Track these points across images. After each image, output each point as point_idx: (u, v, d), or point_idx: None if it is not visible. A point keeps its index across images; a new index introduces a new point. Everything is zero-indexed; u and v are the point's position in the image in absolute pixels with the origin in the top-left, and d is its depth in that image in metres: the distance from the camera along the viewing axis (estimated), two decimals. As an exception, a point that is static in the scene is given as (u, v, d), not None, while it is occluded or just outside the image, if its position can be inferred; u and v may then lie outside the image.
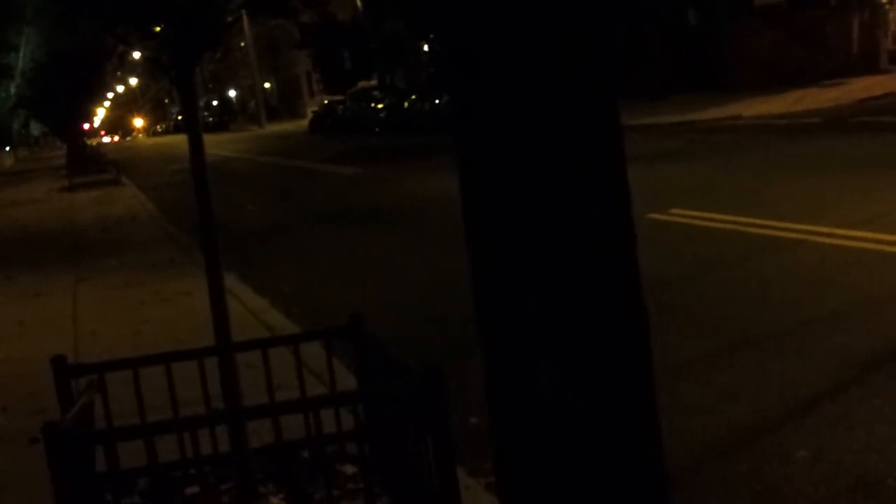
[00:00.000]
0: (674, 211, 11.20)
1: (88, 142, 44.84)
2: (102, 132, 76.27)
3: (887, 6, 32.85)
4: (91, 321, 8.88)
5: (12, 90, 35.36)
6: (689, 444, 4.71)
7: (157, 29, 4.97)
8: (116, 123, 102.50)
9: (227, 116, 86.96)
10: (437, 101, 33.67)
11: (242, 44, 75.19)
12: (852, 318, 6.50)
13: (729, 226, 10.04)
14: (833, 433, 4.71)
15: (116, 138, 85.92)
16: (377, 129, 39.49)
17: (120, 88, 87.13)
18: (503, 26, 2.50)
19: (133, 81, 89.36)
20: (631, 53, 30.19)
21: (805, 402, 5.17)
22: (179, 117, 71.45)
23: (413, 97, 38.32)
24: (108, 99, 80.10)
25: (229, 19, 4.97)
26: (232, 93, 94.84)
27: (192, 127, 4.57)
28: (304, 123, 56.91)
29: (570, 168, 2.52)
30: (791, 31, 29.76)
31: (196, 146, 4.49)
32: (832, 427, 4.78)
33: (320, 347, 4.86)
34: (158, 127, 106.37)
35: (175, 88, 5.11)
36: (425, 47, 47.23)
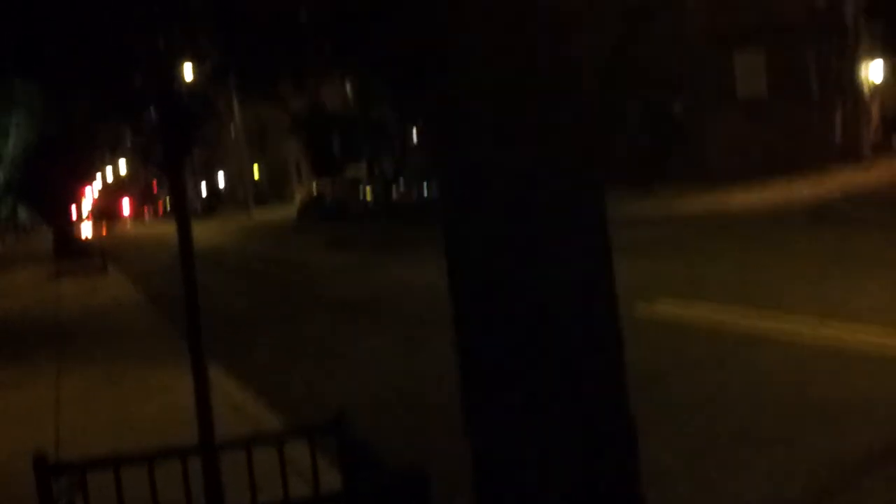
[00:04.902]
0: (659, 303, 11.19)
1: (76, 228, 44.81)
2: (88, 216, 76.38)
3: (869, 99, 33.39)
4: (73, 414, 8.76)
5: (0, 176, 35.44)
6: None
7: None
8: (105, 209, 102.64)
9: (215, 201, 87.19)
10: (424, 190, 33.90)
11: (233, 131, 75.70)
12: (839, 419, 6.44)
13: (716, 317, 10.02)
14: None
15: (103, 228, 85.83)
16: (364, 216, 39.63)
17: (109, 174, 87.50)
18: (489, 123, 2.52)
19: (122, 166, 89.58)
20: (618, 143, 30.49)
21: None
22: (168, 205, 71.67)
23: (401, 185, 38.57)
24: (96, 185, 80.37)
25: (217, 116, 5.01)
26: (220, 176, 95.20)
27: (181, 217, 4.56)
28: (292, 210, 57.05)
29: (557, 264, 2.52)
30: (774, 122, 30.15)
31: (184, 237, 4.47)
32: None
33: (306, 443, 4.79)
34: (146, 213, 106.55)
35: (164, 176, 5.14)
36: (414, 137, 47.61)
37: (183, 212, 4.48)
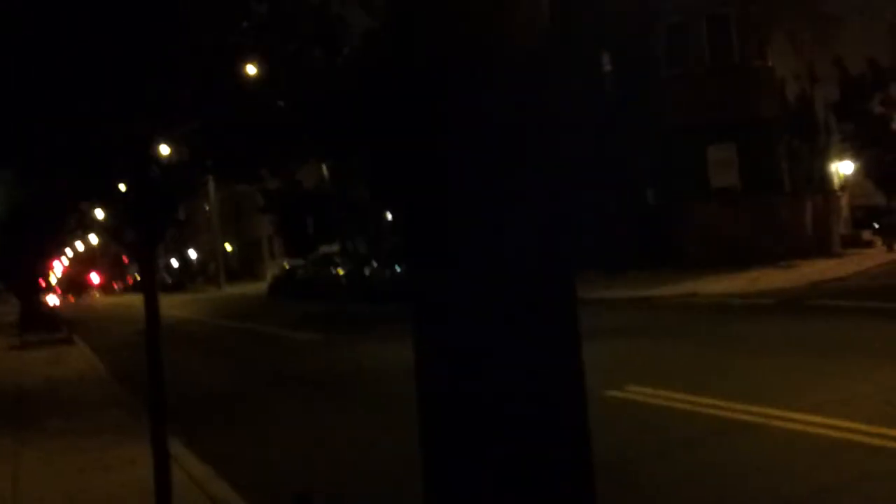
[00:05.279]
0: (630, 388, 11.14)
1: (43, 299, 44.40)
2: (56, 288, 75.75)
3: (840, 193, 33.87)
4: (30, 488, 8.56)
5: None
6: None
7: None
8: (74, 280, 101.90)
9: (186, 277, 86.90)
10: (397, 270, 33.88)
11: (207, 207, 75.74)
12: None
13: (685, 406, 9.96)
14: None
15: (71, 299, 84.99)
16: (336, 295, 39.51)
17: (79, 246, 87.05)
18: (461, 209, 2.51)
19: (93, 239, 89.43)
20: (590, 227, 30.71)
21: None
22: (137, 277, 71.22)
23: (374, 264, 38.52)
24: (65, 256, 79.91)
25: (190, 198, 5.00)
26: (192, 252, 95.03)
27: (150, 301, 4.50)
28: (263, 286, 56.90)
29: (525, 350, 2.50)
30: (746, 213, 30.48)
31: (152, 320, 4.41)
32: None
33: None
34: (115, 285, 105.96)
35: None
36: (388, 216, 47.78)
37: (152, 295, 4.43)
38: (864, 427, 8.20)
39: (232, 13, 5.61)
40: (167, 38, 5.18)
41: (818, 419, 8.64)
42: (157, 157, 5.51)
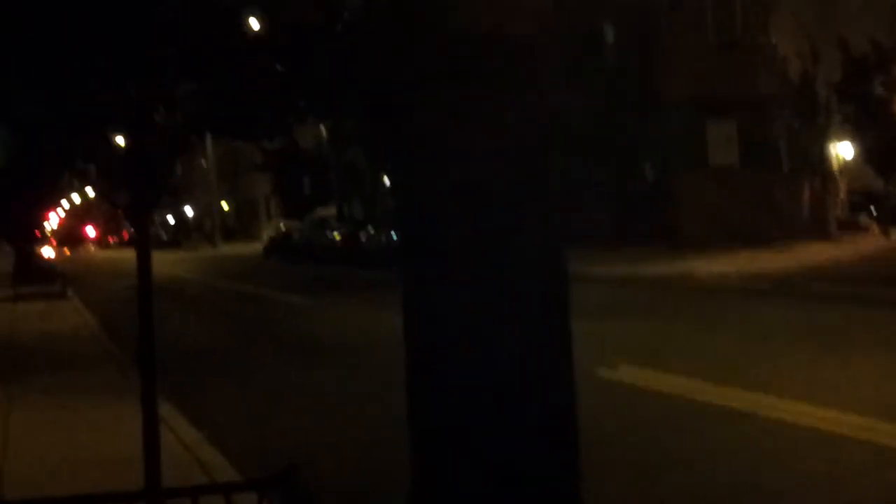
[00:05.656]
0: (621, 368, 11.17)
1: (38, 251, 44.36)
2: (51, 239, 75.68)
3: (838, 176, 33.84)
4: (19, 445, 8.59)
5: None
6: None
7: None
8: (69, 233, 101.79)
9: (182, 234, 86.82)
10: (393, 236, 33.87)
11: (204, 163, 75.58)
12: (789, 500, 6.41)
13: (675, 389, 9.99)
14: None
15: (66, 252, 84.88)
16: (332, 259, 39.53)
17: (76, 198, 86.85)
18: (452, 174, 2.53)
19: (89, 191, 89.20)
20: (585, 200, 30.70)
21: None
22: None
23: (370, 229, 38.50)
24: (61, 208, 79.75)
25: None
26: (188, 209, 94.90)
27: (143, 268, 4.49)
28: (258, 246, 56.90)
29: (512, 320, 2.52)
30: (743, 192, 30.46)
31: (144, 287, 4.40)
32: None
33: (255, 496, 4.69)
34: (111, 239, 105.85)
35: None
36: (385, 180, 47.73)
37: (145, 263, 4.42)
38: (854, 418, 8.21)
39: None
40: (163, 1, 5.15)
41: (808, 408, 8.65)
42: (152, 120, 5.48)
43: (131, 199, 4.57)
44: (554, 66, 2.71)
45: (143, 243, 4.81)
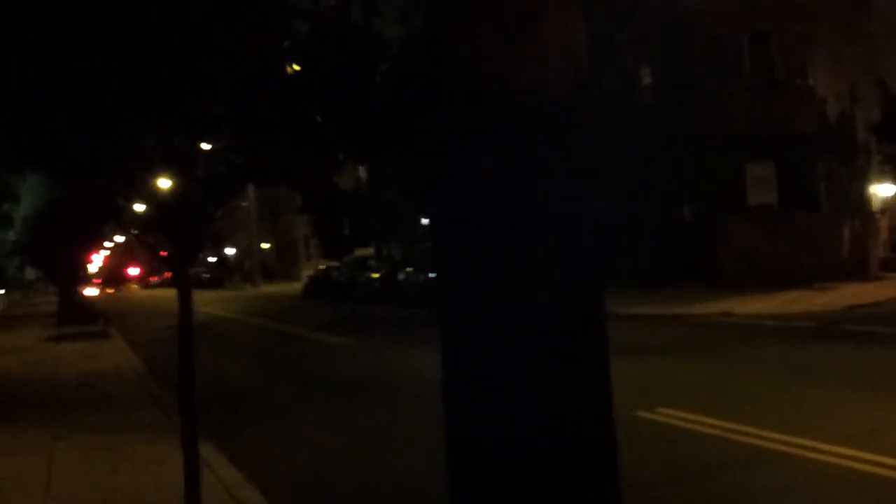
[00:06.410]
0: (660, 410, 11.13)
1: (81, 291, 44.87)
2: (95, 279, 76.44)
3: (878, 216, 33.58)
4: (62, 485, 8.71)
5: (11, 236, 35.63)
6: None
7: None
8: (112, 273, 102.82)
9: (223, 273, 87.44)
10: (430, 276, 33.96)
11: (245, 204, 76.22)
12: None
13: (715, 431, 9.95)
14: None
15: (109, 292, 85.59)
16: (370, 299, 39.69)
17: (119, 238, 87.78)
18: (490, 223, 2.58)
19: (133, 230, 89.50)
20: (625, 241, 30.65)
21: None
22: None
23: (408, 269, 38.64)
24: (104, 248, 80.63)
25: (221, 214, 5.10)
26: (229, 249, 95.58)
27: (184, 314, 4.60)
28: (298, 286, 57.19)
29: (550, 373, 2.55)
30: (783, 232, 30.30)
31: (185, 334, 4.50)
32: None
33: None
34: (152, 279, 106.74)
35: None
36: (423, 220, 47.88)
37: (187, 311, 4.52)
38: (894, 462, 8.16)
39: (275, 32, 5.71)
40: (209, 56, 5.29)
41: (849, 451, 8.60)
42: (194, 172, 5.61)
43: (173, 250, 4.69)
44: (590, 119, 2.77)
45: (185, 291, 4.93)
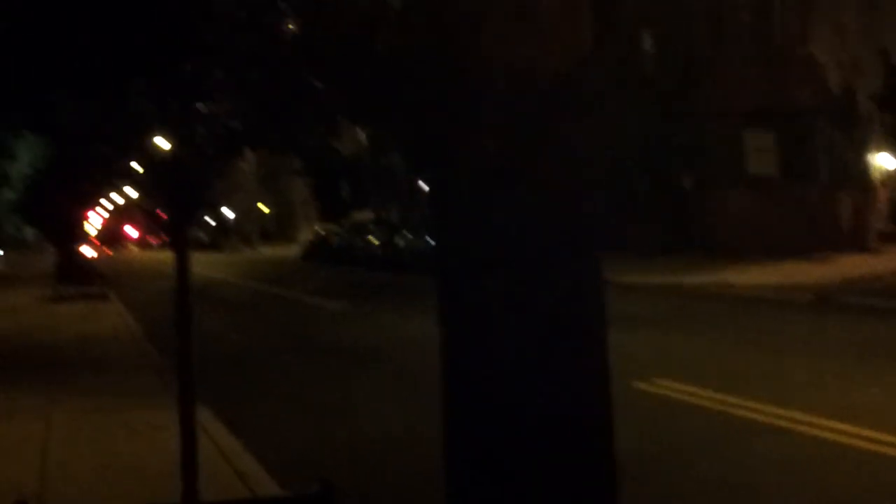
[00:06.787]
0: (658, 381, 11.15)
1: (79, 251, 44.77)
2: (94, 240, 76.35)
3: (878, 187, 33.53)
4: (59, 451, 8.72)
5: (9, 195, 35.54)
6: None
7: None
8: (111, 233, 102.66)
9: (221, 235, 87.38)
10: (429, 241, 33.95)
11: (243, 165, 76.00)
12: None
13: (713, 404, 9.97)
14: None
15: (108, 252, 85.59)
16: (369, 264, 39.70)
17: (117, 198, 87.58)
18: (489, 188, 2.56)
19: (130, 192, 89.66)
20: (623, 209, 30.62)
21: None
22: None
23: (405, 234, 38.62)
24: (103, 208, 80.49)
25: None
26: (228, 211, 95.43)
27: (182, 282, 4.58)
28: (296, 249, 57.20)
29: (551, 345, 2.54)
30: (782, 203, 30.26)
31: (183, 302, 4.48)
32: None
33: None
34: (151, 240, 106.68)
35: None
36: (422, 185, 47.82)
37: (184, 280, 4.50)
38: (893, 438, 8.18)
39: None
40: (204, 18, 5.23)
41: (846, 427, 8.61)
42: (192, 137, 5.56)
43: (170, 216, 4.67)
44: (595, 95, 2.73)
45: (182, 258, 4.90)
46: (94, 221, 75.73)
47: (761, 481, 7.40)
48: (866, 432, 8.39)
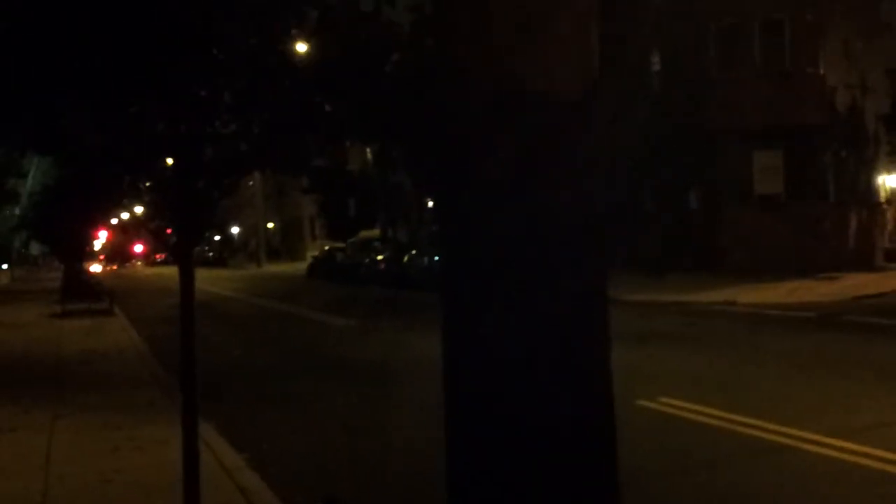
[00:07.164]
0: (663, 399, 11.11)
1: (86, 267, 44.91)
2: (101, 257, 76.53)
3: (885, 206, 33.53)
4: (63, 465, 8.72)
5: (17, 212, 35.66)
6: None
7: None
8: (117, 250, 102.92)
9: (227, 252, 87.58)
10: (436, 259, 33.96)
11: (251, 183, 76.21)
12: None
13: (718, 422, 9.93)
14: None
15: (114, 268, 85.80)
16: (375, 281, 39.72)
17: (125, 215, 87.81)
18: (494, 207, 2.57)
19: (137, 209, 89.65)
20: (631, 228, 30.62)
21: None
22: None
23: (413, 252, 38.64)
24: (110, 225, 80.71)
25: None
26: (234, 228, 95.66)
27: (186, 301, 4.58)
28: (302, 266, 57.25)
29: (553, 360, 2.54)
30: (789, 222, 30.24)
31: (187, 321, 4.48)
32: None
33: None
34: (157, 256, 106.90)
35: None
36: (429, 204, 47.91)
37: (188, 298, 4.50)
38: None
39: (285, 17, 5.67)
40: (216, 41, 5.25)
41: (852, 445, 8.57)
42: (200, 158, 5.58)
43: (177, 236, 4.67)
44: (599, 121, 2.74)
45: (187, 278, 4.90)
46: (101, 237, 75.93)
47: (767, 499, 7.37)
48: (874, 451, 8.36)
